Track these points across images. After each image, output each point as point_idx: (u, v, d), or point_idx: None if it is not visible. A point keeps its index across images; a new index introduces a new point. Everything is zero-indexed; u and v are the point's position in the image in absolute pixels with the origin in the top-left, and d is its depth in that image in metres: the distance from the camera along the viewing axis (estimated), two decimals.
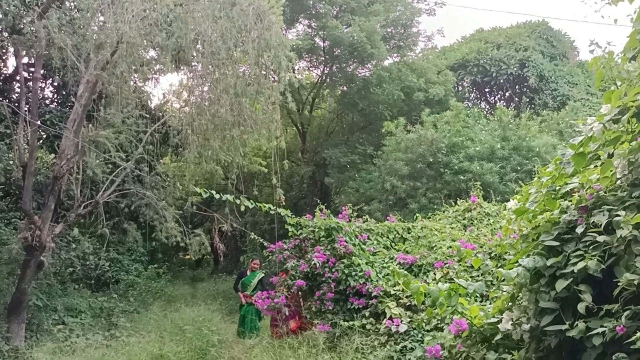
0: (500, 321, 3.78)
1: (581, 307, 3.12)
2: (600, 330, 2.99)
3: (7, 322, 9.34)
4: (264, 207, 8.25)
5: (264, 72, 9.83)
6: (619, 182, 3.56)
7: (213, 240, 12.90)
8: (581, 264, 3.17)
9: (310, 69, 23.54)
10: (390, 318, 7.01)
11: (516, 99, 26.13)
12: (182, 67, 11.51)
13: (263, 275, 10.99)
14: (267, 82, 9.96)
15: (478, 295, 6.66)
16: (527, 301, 3.62)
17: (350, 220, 8.84)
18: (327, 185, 21.64)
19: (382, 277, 7.99)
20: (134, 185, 12.19)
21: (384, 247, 9.09)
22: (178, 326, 10.51)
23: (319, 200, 10.14)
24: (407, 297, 7.45)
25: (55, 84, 14.33)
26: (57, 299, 11.58)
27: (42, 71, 11.51)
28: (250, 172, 17.98)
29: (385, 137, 18.12)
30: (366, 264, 8.07)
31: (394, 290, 7.60)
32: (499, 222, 8.97)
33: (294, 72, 13.13)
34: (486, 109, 26.32)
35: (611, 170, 3.59)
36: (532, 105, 23.69)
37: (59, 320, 10.87)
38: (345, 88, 22.27)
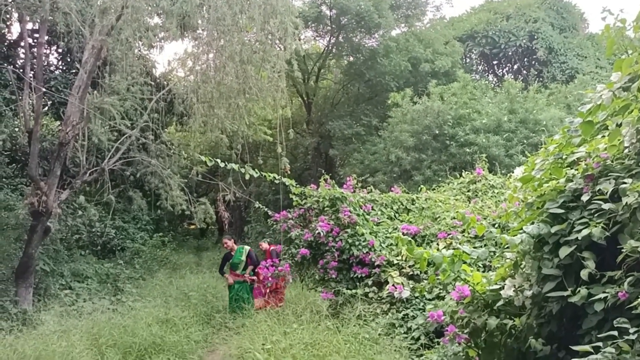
0: (502, 288, 3.81)
1: (584, 273, 3.13)
2: (602, 296, 3.01)
3: (15, 286, 9.49)
4: (269, 176, 8.24)
5: (269, 40, 9.71)
6: (626, 150, 3.53)
7: (218, 209, 12.93)
8: (585, 232, 3.17)
9: (316, 38, 23.26)
10: (393, 285, 7.08)
11: (524, 71, 25.82)
12: (187, 34, 11.40)
13: (250, 249, 10.41)
14: (273, 50, 9.84)
15: (481, 266, 6.72)
16: (530, 268, 3.64)
17: (354, 191, 8.86)
18: (332, 157, 21.62)
19: (386, 246, 8.04)
20: (139, 154, 12.23)
21: (387, 218, 9.13)
22: (183, 292, 10.69)
23: (323, 171, 10.14)
24: (409, 266, 7.51)
25: (60, 50, 14.26)
26: (63, 264, 11.74)
27: (46, 37, 11.42)
28: (255, 143, 17.95)
29: (391, 109, 18.00)
30: (370, 233, 8.12)
31: (397, 260, 7.67)
32: (504, 194, 8.96)
33: (299, 41, 12.98)
34: (494, 82, 26.05)
35: (619, 139, 3.56)
36: (541, 78, 23.43)
37: (66, 285, 11.04)
38: (351, 58, 22.03)
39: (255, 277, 9.78)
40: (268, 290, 9.64)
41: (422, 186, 10.99)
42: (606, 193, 3.26)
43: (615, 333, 2.81)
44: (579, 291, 3.15)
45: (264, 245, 10.81)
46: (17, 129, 12.47)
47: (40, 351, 6.18)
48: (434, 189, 11.17)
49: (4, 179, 12.59)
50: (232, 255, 10.19)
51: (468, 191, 10.24)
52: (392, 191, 10.00)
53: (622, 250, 3.01)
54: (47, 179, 9.75)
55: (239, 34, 9.45)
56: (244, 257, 10.11)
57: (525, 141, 15.39)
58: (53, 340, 6.59)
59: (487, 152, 14.22)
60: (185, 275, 13.53)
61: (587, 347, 2.81)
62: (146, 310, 8.53)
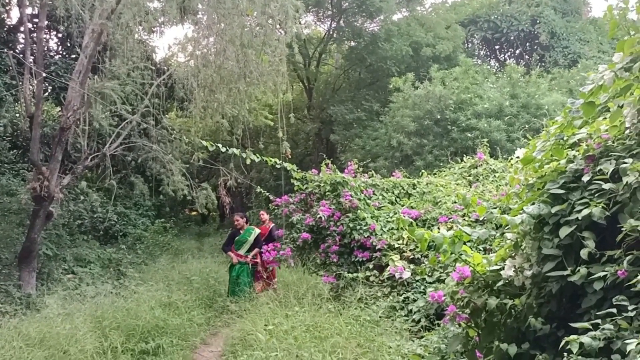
0: (502, 268, 3.83)
1: (584, 252, 3.15)
2: (601, 274, 3.03)
3: (18, 271, 9.55)
4: (270, 161, 8.21)
5: (270, 23, 9.65)
6: (627, 131, 3.53)
7: (219, 195, 12.95)
8: (585, 211, 3.18)
9: (317, 23, 23.13)
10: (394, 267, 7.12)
11: (526, 56, 25.68)
12: (187, 18, 11.33)
13: (259, 231, 10.12)
14: (274, 34, 9.79)
15: (481, 249, 6.75)
16: (530, 248, 3.66)
17: (355, 176, 8.87)
18: (333, 142, 21.60)
19: (387, 231, 8.07)
20: (140, 139, 12.23)
21: (389, 202, 9.15)
22: (185, 277, 10.74)
23: (325, 156, 10.14)
24: (410, 250, 7.55)
25: (60, 35, 14.20)
26: (66, 249, 11.80)
27: (46, 21, 11.35)
28: (255, 128, 17.92)
29: (392, 94, 17.96)
30: (371, 218, 8.15)
31: (398, 244, 7.70)
32: (505, 179, 8.97)
33: (300, 24, 12.91)
34: (496, 67, 25.92)
35: (620, 120, 3.56)
36: (543, 63, 23.28)
37: (69, 269, 11.11)
38: (352, 43, 21.93)
39: (257, 260, 9.76)
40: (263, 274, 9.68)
41: (423, 171, 11.00)
42: (607, 173, 3.27)
43: (614, 311, 2.84)
44: (579, 270, 3.16)
45: (265, 216, 10.63)
46: (18, 115, 12.47)
47: (44, 333, 6.23)
48: (435, 174, 11.18)
49: (5, 165, 12.62)
50: (239, 234, 9.94)
51: (469, 176, 10.24)
52: (393, 176, 10.01)
53: (622, 229, 3.03)
54: (48, 164, 9.75)
55: (240, 18, 9.36)
56: (250, 238, 9.82)
57: (526, 126, 15.36)
58: (57, 323, 6.64)
59: (489, 137, 14.22)
60: (187, 260, 13.59)
61: (587, 325, 2.84)
62: (149, 294, 8.58)
